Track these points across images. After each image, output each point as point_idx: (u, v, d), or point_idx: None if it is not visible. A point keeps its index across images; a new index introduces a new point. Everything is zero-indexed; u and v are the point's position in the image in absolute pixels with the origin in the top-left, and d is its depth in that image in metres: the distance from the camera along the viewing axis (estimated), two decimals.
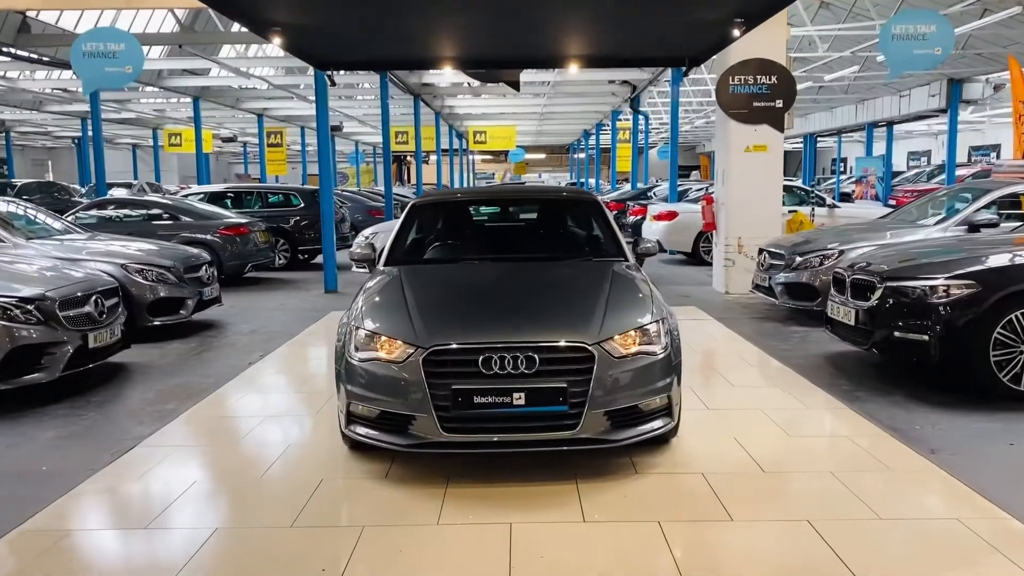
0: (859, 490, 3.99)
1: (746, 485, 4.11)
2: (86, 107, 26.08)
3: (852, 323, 6.22)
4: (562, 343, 3.98)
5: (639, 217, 16.48)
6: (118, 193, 26.66)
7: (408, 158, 51.10)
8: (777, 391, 5.87)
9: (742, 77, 10.50)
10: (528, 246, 5.84)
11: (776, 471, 4.28)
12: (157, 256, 8.50)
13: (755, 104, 10.56)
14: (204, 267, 8.86)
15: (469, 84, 21.83)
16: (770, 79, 10.52)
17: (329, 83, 10.10)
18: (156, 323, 8.15)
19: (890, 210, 16.46)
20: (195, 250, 9.44)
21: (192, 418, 5.45)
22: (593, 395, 3.93)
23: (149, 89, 21.55)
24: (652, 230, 14.62)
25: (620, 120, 27.73)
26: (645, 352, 4.12)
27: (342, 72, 24.19)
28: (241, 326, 9.00)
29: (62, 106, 25.02)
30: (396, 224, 5.63)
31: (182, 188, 24.27)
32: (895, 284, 5.86)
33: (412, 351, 4.00)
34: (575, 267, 5.16)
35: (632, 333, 4.15)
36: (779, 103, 10.57)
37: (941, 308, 5.53)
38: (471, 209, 6.32)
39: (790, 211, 12.34)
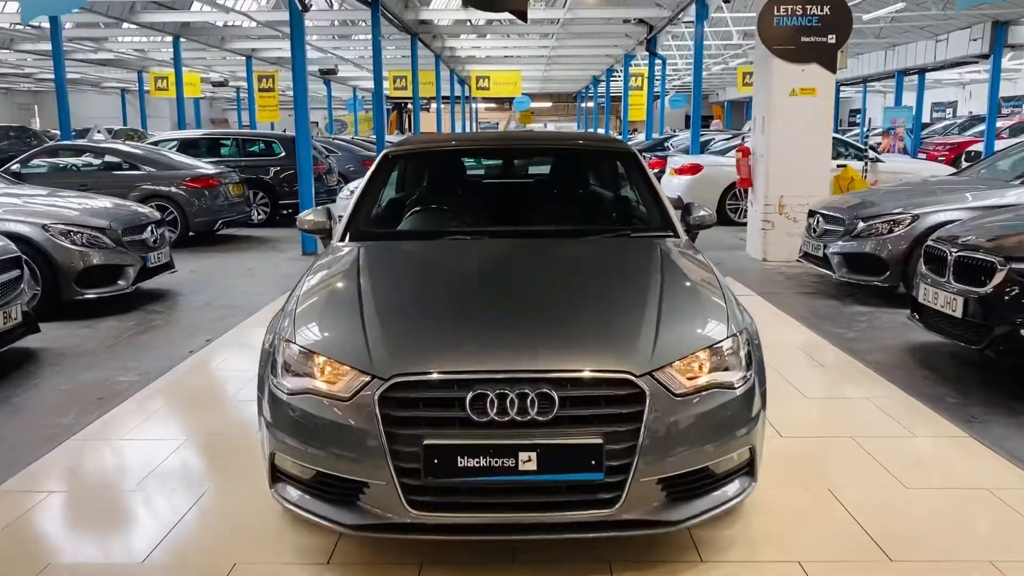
0: None
1: None
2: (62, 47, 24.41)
3: (958, 314, 4.79)
4: (596, 374, 2.58)
5: (657, 171, 14.91)
6: (97, 138, 25.10)
7: (409, 105, 49.10)
8: (865, 407, 4.46)
9: (789, 7, 8.92)
10: (540, 215, 4.33)
11: (909, 559, 2.89)
12: (90, 215, 7.05)
13: (803, 39, 8.99)
14: (150, 227, 7.41)
15: (471, 22, 20.10)
16: (822, 10, 8.93)
17: (301, 8, 8.55)
18: (88, 296, 6.75)
19: (946, 167, 15.00)
20: (142, 207, 7.99)
21: (86, 444, 4.06)
22: (643, 454, 2.54)
23: (126, 26, 19.85)
24: (672, 185, 13.10)
25: (633, 65, 25.92)
26: (719, 385, 2.71)
27: (336, 7, 22.48)
28: (195, 297, 7.60)
29: (35, 44, 23.28)
30: (362, 181, 4.15)
31: (149, 136, 22.68)
32: None
33: (364, 383, 2.60)
34: (608, 248, 3.68)
35: (700, 355, 2.73)
36: (831, 38, 9.00)
37: None
38: (464, 162, 4.85)
39: (838, 166, 10.79)
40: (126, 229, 7.09)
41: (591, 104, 38.46)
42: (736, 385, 2.74)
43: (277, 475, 2.83)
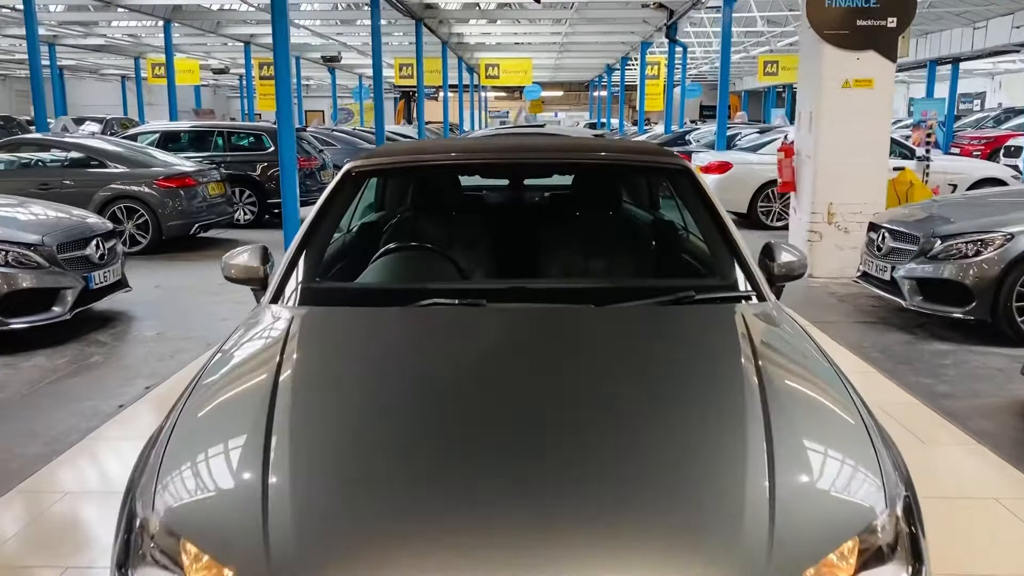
0: None
1: None
2: (50, 31, 23.30)
3: None
4: None
5: None
6: (89, 129, 24.02)
7: (416, 94, 47.82)
8: (1000, 516, 3.30)
9: None
10: (561, 263, 3.11)
11: None
12: (18, 228, 5.92)
13: (859, 23, 7.77)
14: (96, 241, 6.28)
15: (480, 7, 18.87)
16: None
17: None
18: (15, 326, 5.63)
19: (1003, 167, 13.70)
20: (91, 216, 6.86)
21: None
22: None
23: (119, 10, 18.73)
24: None
25: (650, 53, 24.63)
26: None
27: None
28: (149, 324, 6.48)
29: (22, 29, 22.15)
30: (312, 210, 2.98)
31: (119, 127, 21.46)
32: None
33: None
34: (668, 328, 2.41)
35: (845, 549, 1.58)
36: (891, 22, 7.78)
37: None
38: (456, 180, 3.63)
39: (895, 169, 9.56)
40: (63, 244, 5.96)
41: (604, 93, 37.11)
42: None
43: None
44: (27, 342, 5.73)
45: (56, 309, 5.84)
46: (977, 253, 5.76)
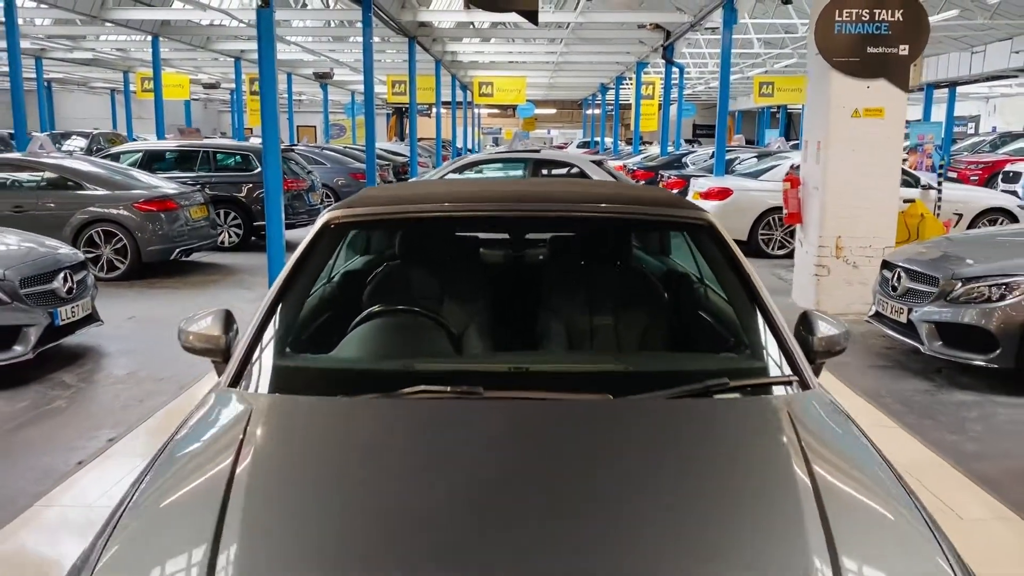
0: None
1: None
2: (36, 44, 22.93)
3: None
4: None
5: (676, 191, 13.43)
6: (75, 144, 23.63)
7: (408, 111, 47.54)
8: None
9: (854, 12, 7.41)
10: (566, 337, 2.71)
11: None
12: None
13: (869, 50, 7.47)
14: (63, 274, 5.88)
15: (474, 25, 18.61)
16: (893, 15, 7.42)
17: (262, 3, 7.06)
18: None
19: (1008, 196, 13.42)
20: (61, 247, 6.45)
21: None
22: None
23: (106, 25, 18.40)
24: None
25: (645, 73, 24.42)
26: None
27: (333, 5, 20.99)
28: (121, 362, 6.08)
29: (3, 41, 21.78)
30: (285, 267, 2.61)
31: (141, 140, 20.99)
32: None
33: None
34: (696, 422, 2.02)
35: None
36: (903, 49, 7.49)
37: None
38: (445, 232, 3.26)
39: (905, 201, 9.25)
40: (26, 279, 5.57)
41: (597, 112, 36.90)
42: None
43: None
44: None
45: (17, 348, 5.44)
46: (1002, 297, 5.42)
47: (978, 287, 5.53)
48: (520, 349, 2.78)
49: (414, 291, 2.87)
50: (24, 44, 21.85)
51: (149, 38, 19.19)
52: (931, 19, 17.02)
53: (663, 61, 19.38)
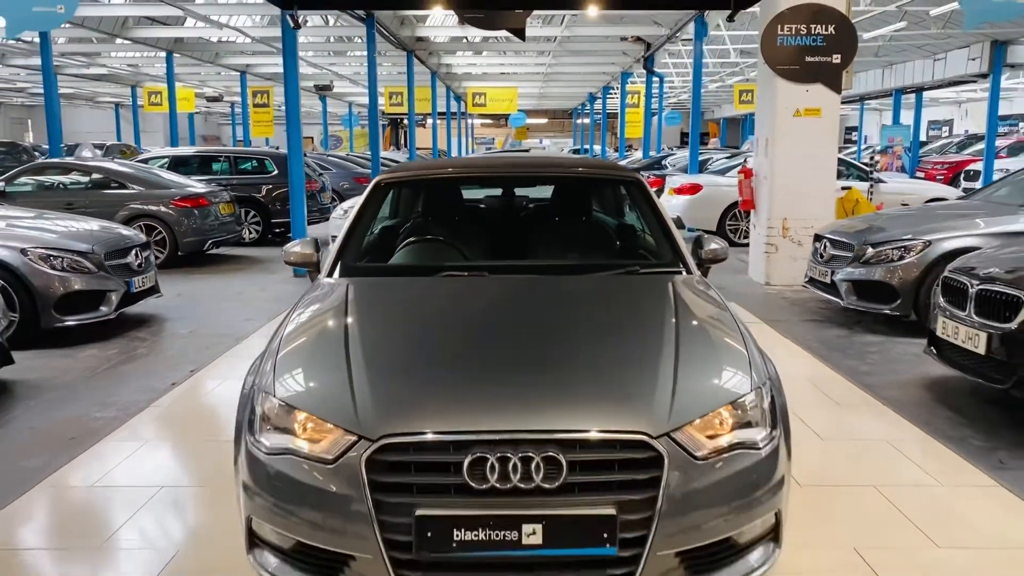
0: None
1: None
2: (54, 61, 24.15)
3: (980, 351, 4.55)
4: (608, 434, 2.33)
5: (655, 190, 14.69)
6: (85, 154, 24.82)
7: (404, 121, 48.85)
8: (885, 450, 4.21)
9: (793, 27, 8.72)
10: (541, 247, 4.06)
11: None
12: (71, 238, 6.79)
13: (807, 59, 8.78)
14: (135, 250, 7.14)
15: (468, 39, 19.93)
16: (827, 29, 8.73)
17: (293, 25, 8.32)
18: (69, 323, 6.47)
19: (950, 188, 14.77)
20: (127, 230, 7.72)
21: (51, 491, 3.79)
22: (660, 525, 2.28)
23: (120, 42, 19.66)
24: (671, 205, 12.89)
25: (630, 82, 25.79)
26: (743, 444, 2.46)
27: (332, 23, 22.27)
28: (181, 324, 7.32)
29: (28, 59, 23.06)
30: (351, 211, 3.90)
31: (145, 151, 22.25)
32: None
33: (350, 443, 2.34)
34: (617, 286, 3.39)
35: (723, 413, 2.48)
36: (836, 58, 8.80)
37: None
38: (460, 190, 4.60)
39: (843, 188, 10.56)
40: (109, 253, 6.83)
41: (587, 120, 38.31)
42: (761, 445, 2.49)
43: (254, 541, 2.56)
44: (78, 337, 6.57)
45: (103, 309, 6.69)
46: (901, 258, 6.71)
47: (883, 250, 6.82)
48: (508, 259, 4.07)
49: (436, 231, 4.14)
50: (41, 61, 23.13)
51: (162, 54, 20.46)
52: (884, 30, 18.32)
53: (645, 71, 20.72)
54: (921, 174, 23.24)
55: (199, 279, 9.77)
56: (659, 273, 3.50)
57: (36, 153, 22.02)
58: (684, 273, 3.50)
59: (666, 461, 2.30)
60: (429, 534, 2.24)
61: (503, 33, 14.41)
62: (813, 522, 3.37)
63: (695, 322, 2.97)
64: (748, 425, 2.51)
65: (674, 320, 2.88)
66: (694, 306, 3.13)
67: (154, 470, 4.04)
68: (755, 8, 9.73)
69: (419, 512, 2.25)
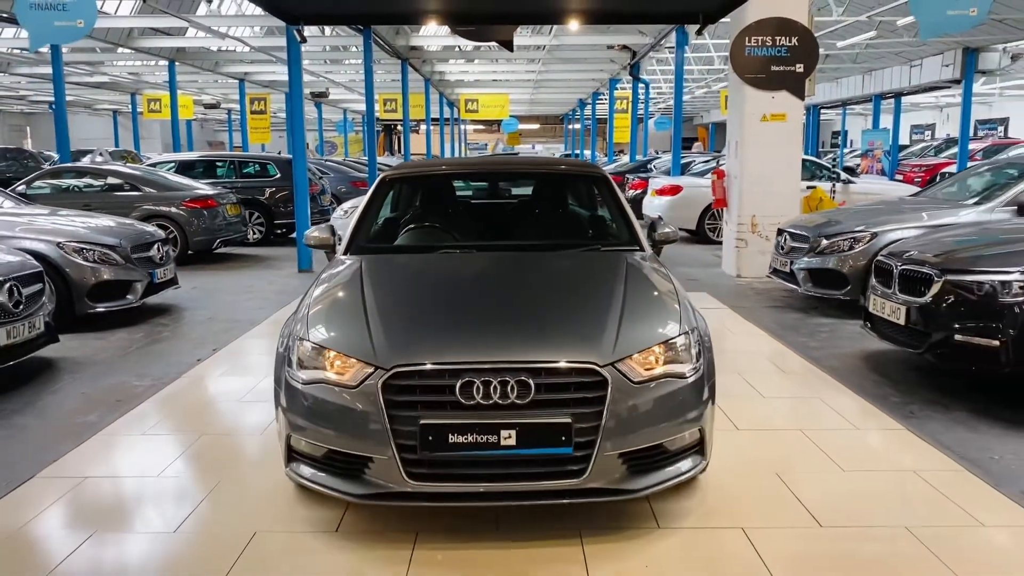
0: (952, 558, 3.08)
1: (802, 549, 3.19)
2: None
3: (901, 322, 5.29)
4: (566, 364, 3.04)
5: (639, 191, 15.49)
6: (88, 161, 25.48)
7: (397, 127, 49.72)
8: (816, 404, 4.94)
9: (759, 38, 9.48)
10: (522, 231, 4.84)
11: (837, 525, 3.35)
12: (100, 233, 7.49)
13: (773, 68, 9.55)
14: (156, 245, 7.85)
15: (460, 48, 20.69)
16: (790, 40, 9.49)
17: (299, 39, 9.04)
18: (99, 309, 7.17)
19: (915, 188, 15.57)
20: (148, 227, 8.43)
21: (110, 438, 4.49)
22: (606, 432, 3.00)
23: (122, 51, 20.37)
24: (654, 205, 13.67)
25: (618, 89, 26.60)
26: (672, 374, 3.18)
27: (328, 32, 23.03)
28: (198, 312, 8.02)
29: (32, 68, 23.76)
30: (362, 202, 4.62)
31: (146, 157, 22.95)
32: (958, 278, 4.91)
33: (369, 373, 3.06)
34: (580, 260, 4.16)
35: (656, 349, 3.20)
36: (800, 67, 9.56)
37: (1017, 308, 4.61)
38: (454, 185, 5.35)
39: (808, 187, 11.35)
40: (135, 247, 7.53)
41: (578, 126, 39.14)
42: (687, 375, 3.21)
43: (293, 455, 3.27)
44: (107, 323, 7.27)
45: (130, 297, 7.40)
46: (851, 247, 7.46)
47: (835, 241, 7.57)
48: (494, 240, 4.79)
49: (433, 220, 4.87)
50: (46, 70, 23.81)
51: (163, 62, 21.19)
52: (859, 38, 19.07)
53: (631, 78, 21.51)
54: (900, 176, 24.05)
55: (210, 274, 10.47)
56: (618, 251, 4.23)
57: (41, 159, 22.66)
58: (639, 251, 4.23)
59: (610, 384, 3.02)
60: (430, 438, 2.96)
61: (494, 43, 15.17)
62: (745, 455, 4.09)
63: (641, 285, 3.70)
64: (677, 360, 3.23)
65: (624, 283, 3.61)
66: (641, 275, 3.86)
67: (193, 423, 4.75)
68: (729, 18, 10.46)
69: (422, 421, 2.96)
